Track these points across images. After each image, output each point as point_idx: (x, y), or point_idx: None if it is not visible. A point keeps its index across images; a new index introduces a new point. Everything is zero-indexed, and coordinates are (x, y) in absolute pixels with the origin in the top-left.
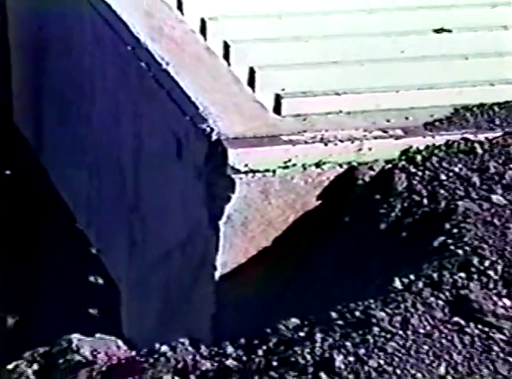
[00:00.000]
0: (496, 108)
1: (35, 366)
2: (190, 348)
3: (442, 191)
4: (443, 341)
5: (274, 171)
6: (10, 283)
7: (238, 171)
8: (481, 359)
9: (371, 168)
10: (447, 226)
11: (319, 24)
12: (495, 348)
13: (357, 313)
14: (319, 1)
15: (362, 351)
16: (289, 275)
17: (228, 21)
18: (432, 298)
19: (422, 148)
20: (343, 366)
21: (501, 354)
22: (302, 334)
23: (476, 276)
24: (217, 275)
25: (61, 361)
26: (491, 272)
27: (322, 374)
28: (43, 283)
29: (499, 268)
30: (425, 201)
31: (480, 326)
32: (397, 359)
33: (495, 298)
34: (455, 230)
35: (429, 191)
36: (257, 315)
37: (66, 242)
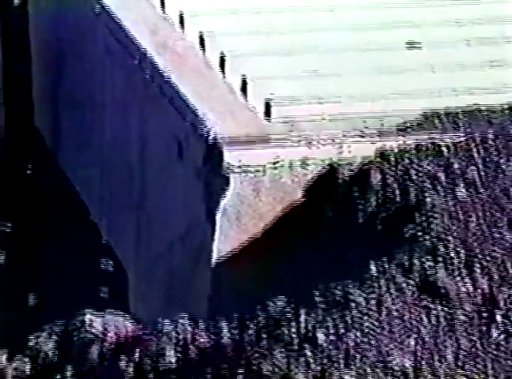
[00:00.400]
0: (460, 115)
1: (52, 342)
2: (189, 325)
3: (412, 187)
4: (413, 320)
5: (264, 170)
6: (33, 268)
7: (232, 170)
8: (446, 335)
9: (350, 167)
10: (417, 218)
11: (305, 40)
12: (459, 328)
13: (337, 296)
14: (305, 20)
15: (342, 329)
16: (277, 262)
17: (224, 37)
18: (403, 282)
19: (395, 149)
20: (324, 342)
21: (464, 331)
22: (288, 314)
23: (442, 262)
24: (213, 262)
25: (75, 337)
26: (455, 259)
27: (306, 348)
28: (62, 269)
29: (462, 254)
30: (397, 196)
31: (445, 307)
32: (372, 336)
33: (458, 282)
34: (424, 222)
35: (401, 187)
36: (249, 296)
37: (82, 232)
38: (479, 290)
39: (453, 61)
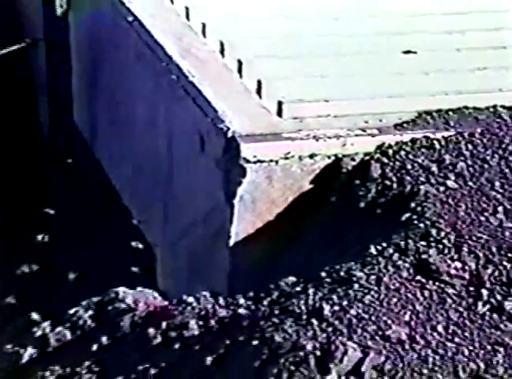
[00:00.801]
0: (450, 113)
1: (90, 312)
2: (210, 299)
3: (407, 177)
4: (408, 295)
5: (277, 161)
6: (73, 248)
7: (248, 161)
8: (437, 309)
9: (353, 159)
10: (412, 205)
11: (312, 44)
12: (449, 300)
13: (341, 273)
14: (311, 25)
15: (345, 303)
16: (288, 242)
17: (241, 44)
18: (400, 262)
19: (392, 143)
20: (330, 314)
21: (453, 305)
22: (298, 289)
23: (434, 244)
24: (231, 242)
25: (110, 308)
26: (445, 241)
27: (314, 320)
28: (98, 248)
29: (452, 237)
30: (394, 185)
31: (436, 283)
32: (372, 309)
33: (448, 261)
34: (418, 208)
35: (398, 177)
36: (263, 274)
37: (115, 215)
38: (467, 269)
39: (445, 66)
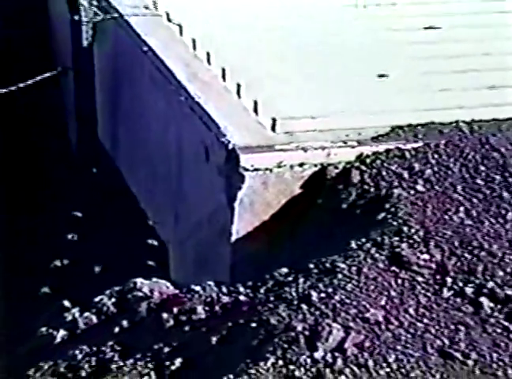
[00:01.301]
0: (419, 127)
1: (113, 300)
2: (214, 288)
3: (383, 183)
4: (384, 283)
5: (271, 170)
6: (96, 245)
7: (246, 169)
8: (409, 294)
9: (336, 167)
10: (386, 206)
11: (302, 71)
12: (418, 287)
13: (327, 265)
14: (301, 55)
15: (330, 290)
16: (281, 239)
17: (240, 68)
18: (376, 254)
19: (370, 153)
20: (317, 300)
21: (422, 291)
22: (290, 278)
23: (405, 239)
24: (232, 239)
25: (129, 296)
26: (415, 237)
27: (303, 305)
28: (118, 245)
29: (421, 233)
30: (372, 189)
31: (408, 272)
32: (353, 295)
33: (418, 254)
34: (392, 209)
35: (374, 182)
36: (260, 266)
37: (133, 216)
38: (433, 260)
39: (415, 87)
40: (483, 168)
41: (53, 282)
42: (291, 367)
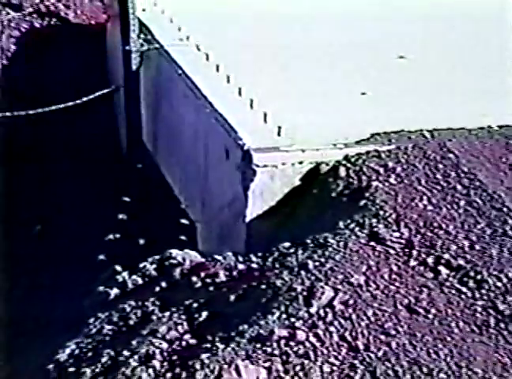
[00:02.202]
0: (392, 134)
1: (154, 265)
2: (232, 258)
3: (363, 177)
4: (364, 254)
5: (277, 166)
6: (141, 223)
7: (258, 166)
8: (383, 264)
9: (327, 165)
10: (366, 194)
11: (302, 90)
12: (391, 258)
13: (320, 240)
14: (303, 75)
15: (322, 260)
16: (285, 220)
17: (253, 86)
18: (359, 233)
19: (354, 154)
20: (312, 267)
21: (394, 261)
22: (291, 251)
23: (381, 221)
24: (247, 220)
25: (167, 263)
26: (389, 219)
27: (302, 271)
28: (158, 222)
29: (394, 216)
30: (355, 182)
31: (383, 246)
32: (340, 264)
33: (391, 232)
34: (371, 197)
35: (357, 176)
36: (268, 241)
37: (169, 202)
38: (403, 237)
39: (387, 102)
40: (441, 166)
41: (108, 251)
42: (292, 320)
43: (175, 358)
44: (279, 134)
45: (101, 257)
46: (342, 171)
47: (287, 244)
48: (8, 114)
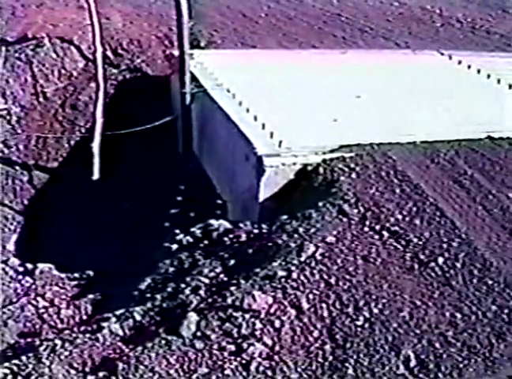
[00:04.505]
0: (353, 146)
1: (199, 230)
2: (249, 225)
3: (335, 173)
4: (334, 223)
5: (278, 166)
6: (191, 203)
7: (266, 166)
8: (346, 228)
9: (311, 165)
10: (336, 185)
11: (299, 114)
12: (352, 226)
13: (306, 214)
14: (302, 103)
15: (308, 227)
16: (284, 202)
17: (264, 115)
18: (332, 209)
19: (328, 158)
20: (302, 231)
21: (353, 227)
22: (287, 221)
23: (346, 202)
24: (260, 201)
25: (208, 229)
26: (351, 200)
27: (295, 234)
28: (202, 203)
29: (354, 199)
30: (329, 177)
31: (347, 219)
32: (319, 230)
33: (353, 210)
34: (339, 187)
35: (331, 174)
36: (273, 215)
37: (209, 188)
38: (360, 213)
39: (359, 122)
40: (384, 167)
41: (171, 221)
42: (289, 265)
43: (213, 289)
44: (280, 145)
45: (166, 224)
46: (321, 170)
47: (284, 217)
48: (108, 133)
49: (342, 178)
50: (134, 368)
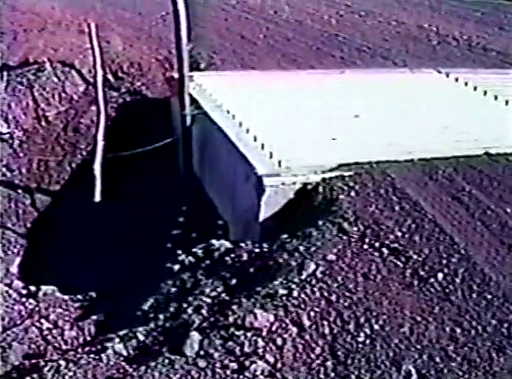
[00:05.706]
0: (352, 164)
1: (201, 250)
2: (250, 245)
3: (334, 192)
4: (334, 241)
5: (278, 186)
6: (191, 223)
7: (266, 186)
8: (346, 245)
9: (311, 184)
10: (336, 203)
11: (295, 137)
12: (352, 243)
13: (306, 233)
14: (303, 127)
15: (308, 245)
16: (284, 221)
17: (265, 136)
18: (332, 227)
19: (328, 177)
20: (302, 250)
21: (353, 244)
22: (288, 240)
23: (346, 220)
24: (260, 220)
25: (209, 248)
26: (350, 219)
27: (295, 253)
28: (202, 223)
29: (353, 218)
30: (328, 195)
31: (347, 236)
32: (319, 248)
33: (353, 228)
34: (339, 205)
35: (330, 192)
36: (274, 234)
37: (209, 209)
38: (360, 231)
39: (353, 143)
40: (382, 185)
41: (173, 241)
42: (290, 284)
43: (215, 308)
44: (279, 165)
45: (168, 244)
46: (321, 189)
47: (285, 235)
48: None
49: (341, 196)
50: None
